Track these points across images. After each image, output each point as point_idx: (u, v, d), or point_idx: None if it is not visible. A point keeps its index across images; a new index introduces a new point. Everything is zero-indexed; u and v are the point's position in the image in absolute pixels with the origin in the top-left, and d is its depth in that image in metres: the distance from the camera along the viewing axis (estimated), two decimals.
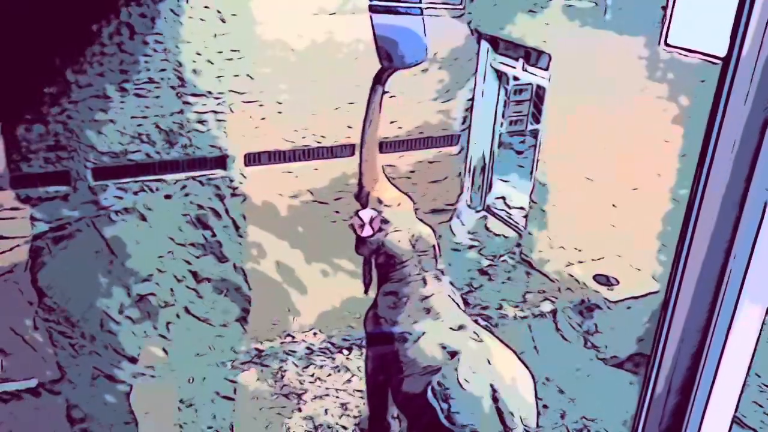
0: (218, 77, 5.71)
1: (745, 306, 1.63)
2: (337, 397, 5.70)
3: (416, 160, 6.81)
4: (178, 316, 5.96)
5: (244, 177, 6.06)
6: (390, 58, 5.55)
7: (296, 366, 5.97)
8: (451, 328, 4.47)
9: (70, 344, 5.58)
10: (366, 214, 4.61)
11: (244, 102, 5.87)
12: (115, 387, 5.57)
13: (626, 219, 5.79)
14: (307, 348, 6.18)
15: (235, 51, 5.70)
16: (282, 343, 6.20)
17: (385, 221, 4.64)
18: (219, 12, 5.59)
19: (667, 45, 2.25)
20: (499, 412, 4.14)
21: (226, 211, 6.05)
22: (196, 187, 5.91)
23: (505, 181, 7.78)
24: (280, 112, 6.03)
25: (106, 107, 5.43)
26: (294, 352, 6.12)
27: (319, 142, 6.27)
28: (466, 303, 5.85)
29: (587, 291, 5.93)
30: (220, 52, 5.66)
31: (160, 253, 5.86)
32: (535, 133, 7.69)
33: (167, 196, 5.83)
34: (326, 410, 5.57)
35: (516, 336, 5.97)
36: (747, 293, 1.62)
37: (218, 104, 5.77)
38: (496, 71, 7.07)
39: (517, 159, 8.33)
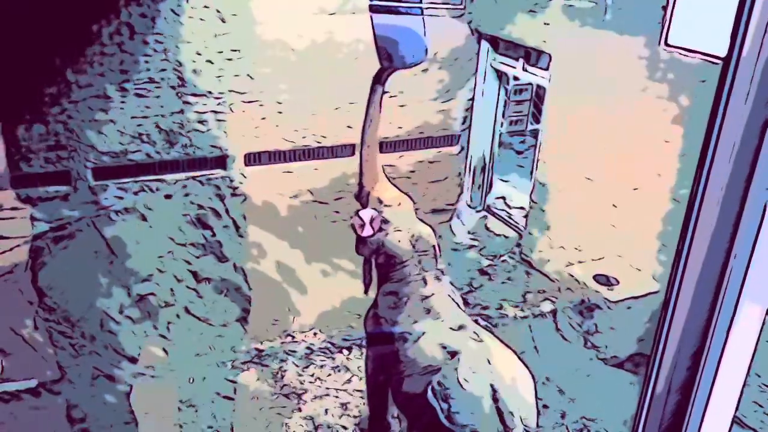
0: (218, 77, 5.71)
1: (745, 306, 1.63)
2: (337, 397, 5.70)
3: (416, 160, 6.81)
4: (178, 316, 5.96)
5: (245, 177, 6.06)
6: (390, 58, 5.56)
7: (296, 366, 5.97)
8: (451, 328, 4.47)
9: (70, 344, 5.58)
10: (366, 214, 4.61)
11: (244, 102, 5.87)
12: (115, 387, 5.57)
13: (626, 219, 5.78)
14: (307, 348, 6.18)
15: (235, 51, 5.71)
16: (282, 343, 6.20)
17: (385, 221, 4.64)
18: (219, 12, 5.59)
19: (667, 45, 2.26)
20: (499, 412, 4.14)
21: (227, 211, 6.05)
22: (197, 187, 5.91)
23: (505, 181, 7.78)
24: (280, 112, 6.03)
25: (107, 107, 5.43)
26: (294, 352, 6.12)
27: (319, 142, 6.27)
28: (466, 303, 5.85)
29: (587, 291, 5.93)
30: (220, 52, 5.66)
31: (160, 253, 5.86)
32: (535, 133, 7.68)
33: (167, 196, 5.83)
34: (326, 410, 5.57)
35: (516, 336, 5.97)
36: (747, 293, 1.62)
37: (218, 104, 5.77)
38: (497, 71, 7.07)
39: (517, 159, 8.32)
